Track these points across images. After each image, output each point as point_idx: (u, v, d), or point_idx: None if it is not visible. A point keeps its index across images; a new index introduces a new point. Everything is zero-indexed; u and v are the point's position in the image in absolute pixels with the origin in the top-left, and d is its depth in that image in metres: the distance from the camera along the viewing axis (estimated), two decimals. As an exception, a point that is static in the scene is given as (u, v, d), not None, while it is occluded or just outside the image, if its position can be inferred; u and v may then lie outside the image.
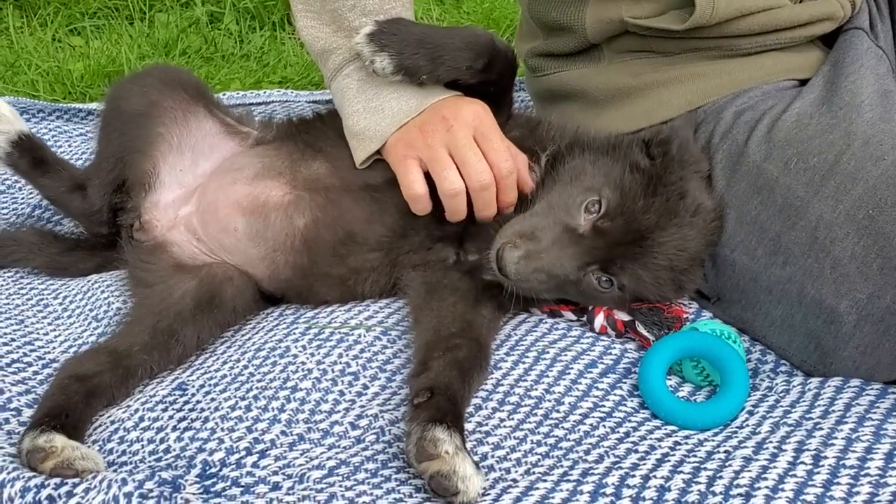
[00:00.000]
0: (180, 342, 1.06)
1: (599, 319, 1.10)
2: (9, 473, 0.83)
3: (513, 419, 0.96)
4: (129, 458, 0.93)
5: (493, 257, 1.02)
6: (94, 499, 0.79)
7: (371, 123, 1.10)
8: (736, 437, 0.94)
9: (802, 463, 0.88)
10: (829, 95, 1.10)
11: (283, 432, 0.94)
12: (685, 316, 1.10)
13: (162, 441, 0.94)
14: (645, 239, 1.03)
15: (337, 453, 0.91)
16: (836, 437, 0.91)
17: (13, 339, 1.12)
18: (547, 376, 1.02)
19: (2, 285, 1.25)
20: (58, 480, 0.83)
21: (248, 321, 1.15)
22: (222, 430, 0.94)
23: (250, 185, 1.16)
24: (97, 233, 1.25)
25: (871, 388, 0.99)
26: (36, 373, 1.07)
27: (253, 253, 1.15)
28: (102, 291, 1.20)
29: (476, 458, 0.90)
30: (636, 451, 0.92)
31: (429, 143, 1.05)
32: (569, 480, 0.87)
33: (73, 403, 0.95)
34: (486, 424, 0.95)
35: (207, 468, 0.89)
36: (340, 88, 1.15)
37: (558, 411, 0.98)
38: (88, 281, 1.23)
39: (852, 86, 1.09)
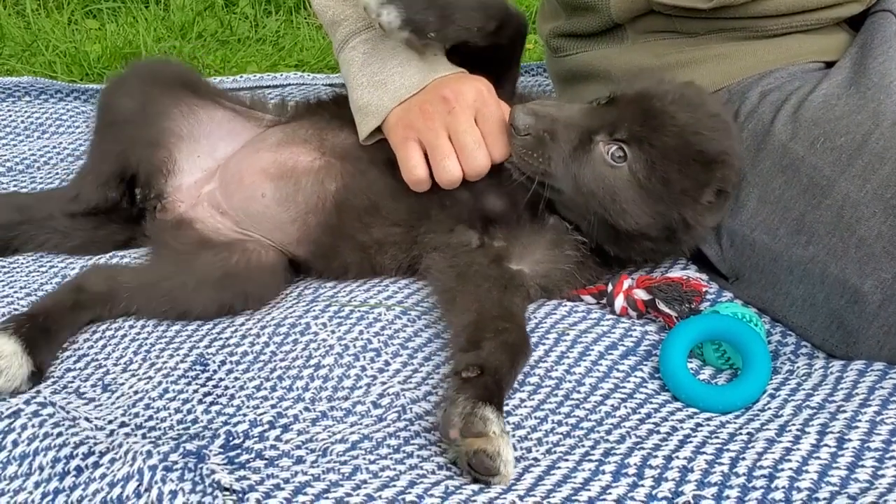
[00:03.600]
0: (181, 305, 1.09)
1: (619, 301, 1.09)
2: (41, 442, 0.85)
3: (533, 399, 0.96)
4: (158, 423, 0.94)
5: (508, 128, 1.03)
6: (118, 470, 0.80)
7: (374, 98, 1.09)
8: (758, 419, 0.94)
9: (826, 445, 0.87)
10: (857, 77, 1.09)
11: (306, 408, 0.94)
12: (704, 290, 1.09)
13: (189, 412, 0.95)
14: (652, 101, 1.01)
15: (359, 429, 0.91)
16: (859, 420, 0.90)
17: (35, 316, 1.12)
18: (567, 357, 1.02)
19: (22, 263, 1.26)
20: (86, 450, 0.84)
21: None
22: (248, 407, 0.95)
23: (275, 152, 1.17)
24: (127, 220, 1.26)
25: (895, 371, 0.98)
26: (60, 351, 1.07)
27: (283, 217, 1.16)
28: (123, 269, 1.20)
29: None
30: (658, 433, 0.92)
31: (429, 125, 1.04)
32: (590, 460, 0.87)
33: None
34: (507, 404, 0.95)
35: (231, 439, 0.90)
36: (346, 61, 1.14)
37: (579, 392, 0.98)
38: (111, 257, 1.23)
39: (881, 67, 1.08)
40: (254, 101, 1.29)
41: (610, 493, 0.83)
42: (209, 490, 0.79)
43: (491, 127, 1.05)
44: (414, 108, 1.06)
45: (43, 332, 1.03)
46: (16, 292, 1.18)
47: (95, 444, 0.86)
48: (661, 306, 1.06)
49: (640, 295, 1.08)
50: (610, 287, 1.10)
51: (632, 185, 1.02)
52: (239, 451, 0.88)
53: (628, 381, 1.00)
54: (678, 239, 1.07)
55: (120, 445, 0.84)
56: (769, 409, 0.95)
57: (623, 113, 1.02)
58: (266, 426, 0.91)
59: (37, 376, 0.99)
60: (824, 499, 0.81)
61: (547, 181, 1.04)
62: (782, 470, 0.84)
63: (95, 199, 1.21)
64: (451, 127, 1.04)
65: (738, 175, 1.07)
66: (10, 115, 1.61)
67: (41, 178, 1.46)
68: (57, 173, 1.47)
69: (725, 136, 1.04)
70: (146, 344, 1.07)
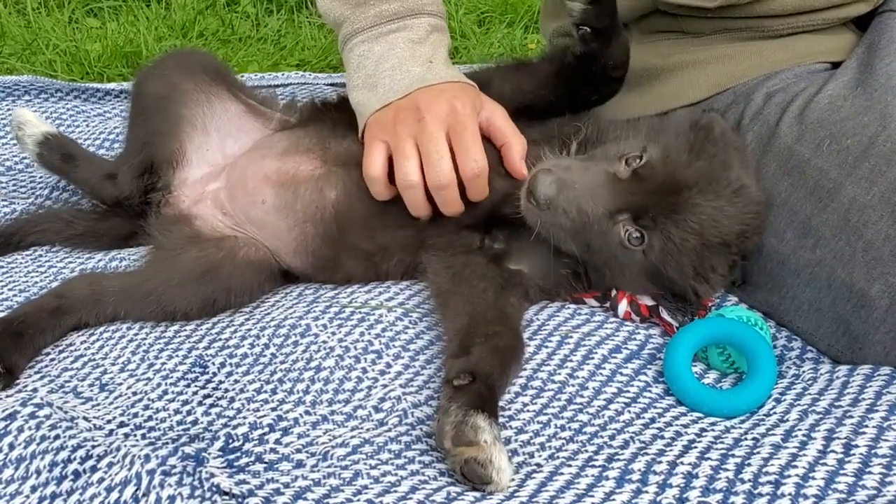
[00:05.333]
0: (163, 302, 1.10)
1: (623, 305, 1.08)
2: (38, 445, 0.84)
3: (536, 403, 0.95)
4: (157, 424, 0.94)
5: (525, 186, 0.99)
6: (116, 475, 0.79)
7: (364, 99, 1.10)
8: (763, 424, 0.93)
9: (833, 451, 0.86)
10: (864, 78, 1.07)
11: (306, 412, 0.93)
12: (710, 304, 1.08)
13: (189, 413, 0.95)
14: (681, 193, 0.98)
15: (360, 433, 0.91)
16: (866, 426, 0.89)
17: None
18: (570, 361, 1.01)
19: (21, 263, 1.26)
20: (83, 454, 0.83)
21: (266, 298, 1.15)
22: (248, 410, 0.94)
23: (279, 160, 1.17)
24: (131, 215, 1.27)
25: (902, 377, 0.97)
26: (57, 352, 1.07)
27: (281, 224, 1.16)
28: (122, 270, 1.20)
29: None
30: (662, 437, 0.91)
31: (398, 129, 1.04)
32: (594, 466, 0.86)
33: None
34: (509, 409, 0.94)
35: (231, 442, 0.89)
36: (346, 61, 1.15)
37: (582, 396, 0.97)
38: (107, 255, 1.24)
39: (887, 68, 1.07)
40: (265, 97, 1.30)
41: (613, 500, 0.82)
42: (208, 495, 0.78)
43: (460, 142, 1.03)
44: (390, 112, 1.06)
45: (14, 335, 1.03)
46: (15, 295, 1.17)
47: (93, 447, 0.85)
48: (664, 315, 1.05)
49: (645, 300, 1.07)
50: (614, 291, 1.09)
51: (644, 266, 1.01)
52: (238, 454, 0.88)
53: (632, 385, 0.99)
54: (685, 300, 1.06)
55: (118, 449, 0.83)
56: (774, 413, 0.94)
57: (650, 198, 0.98)
58: (266, 429, 0.90)
59: (7, 377, 1.00)
60: (831, 506, 0.80)
61: (557, 243, 1.02)
62: (788, 476, 0.83)
63: (127, 190, 1.24)
64: (419, 136, 1.03)
65: (759, 238, 1.05)
66: (10, 115, 1.60)
67: (41, 177, 1.45)
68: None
69: (747, 211, 1.01)
70: (144, 344, 1.06)
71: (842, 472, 0.84)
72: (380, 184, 1.07)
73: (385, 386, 0.96)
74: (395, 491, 0.82)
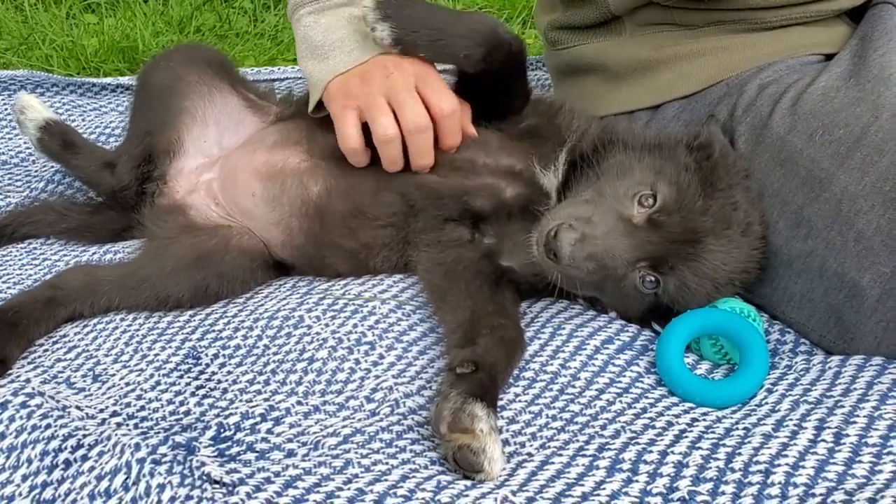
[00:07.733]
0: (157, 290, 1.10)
1: (614, 314, 1.08)
2: (29, 434, 0.84)
3: (528, 394, 0.96)
4: (150, 414, 0.94)
5: (542, 239, 0.97)
6: (107, 463, 0.79)
7: (315, 70, 1.11)
8: (755, 414, 0.93)
9: (823, 441, 0.86)
10: (857, 69, 1.07)
11: (298, 402, 0.94)
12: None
13: (182, 404, 0.95)
14: (700, 242, 0.98)
15: (352, 423, 0.91)
16: (857, 416, 0.89)
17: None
18: (563, 352, 1.01)
19: (15, 256, 1.26)
20: (74, 443, 0.83)
21: (259, 290, 1.15)
22: (240, 401, 0.94)
23: (269, 152, 1.18)
24: (126, 207, 1.27)
25: (894, 366, 0.97)
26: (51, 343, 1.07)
27: (269, 217, 1.16)
28: (116, 263, 1.20)
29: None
30: (653, 427, 0.91)
31: (366, 90, 1.05)
32: (585, 455, 0.87)
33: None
34: (501, 399, 0.94)
35: (222, 431, 0.89)
36: (295, 31, 1.16)
37: (574, 387, 0.97)
38: (101, 248, 1.25)
39: (881, 59, 1.07)
40: (264, 92, 1.31)
41: (604, 489, 0.82)
42: (198, 483, 0.78)
43: (432, 88, 1.05)
44: (353, 77, 1.07)
45: (8, 325, 1.03)
46: (9, 287, 1.18)
47: (84, 436, 0.85)
48: (655, 326, 1.05)
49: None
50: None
51: (652, 304, 1.02)
52: (230, 443, 0.88)
53: (624, 376, 0.99)
54: None
55: (108, 438, 0.83)
56: (766, 404, 0.94)
57: (669, 247, 0.98)
58: (258, 419, 0.90)
59: (0, 367, 1.00)
60: (821, 494, 0.80)
61: (568, 289, 1.02)
62: (779, 465, 0.83)
63: (126, 179, 1.25)
64: (389, 88, 1.04)
65: (758, 273, 1.06)
66: (6, 109, 1.61)
67: (36, 171, 1.46)
68: (53, 167, 1.46)
69: (752, 248, 1.03)
70: (137, 335, 1.06)
71: (832, 461, 0.84)
72: (360, 154, 1.09)
73: (377, 377, 0.97)
74: (386, 479, 0.82)
